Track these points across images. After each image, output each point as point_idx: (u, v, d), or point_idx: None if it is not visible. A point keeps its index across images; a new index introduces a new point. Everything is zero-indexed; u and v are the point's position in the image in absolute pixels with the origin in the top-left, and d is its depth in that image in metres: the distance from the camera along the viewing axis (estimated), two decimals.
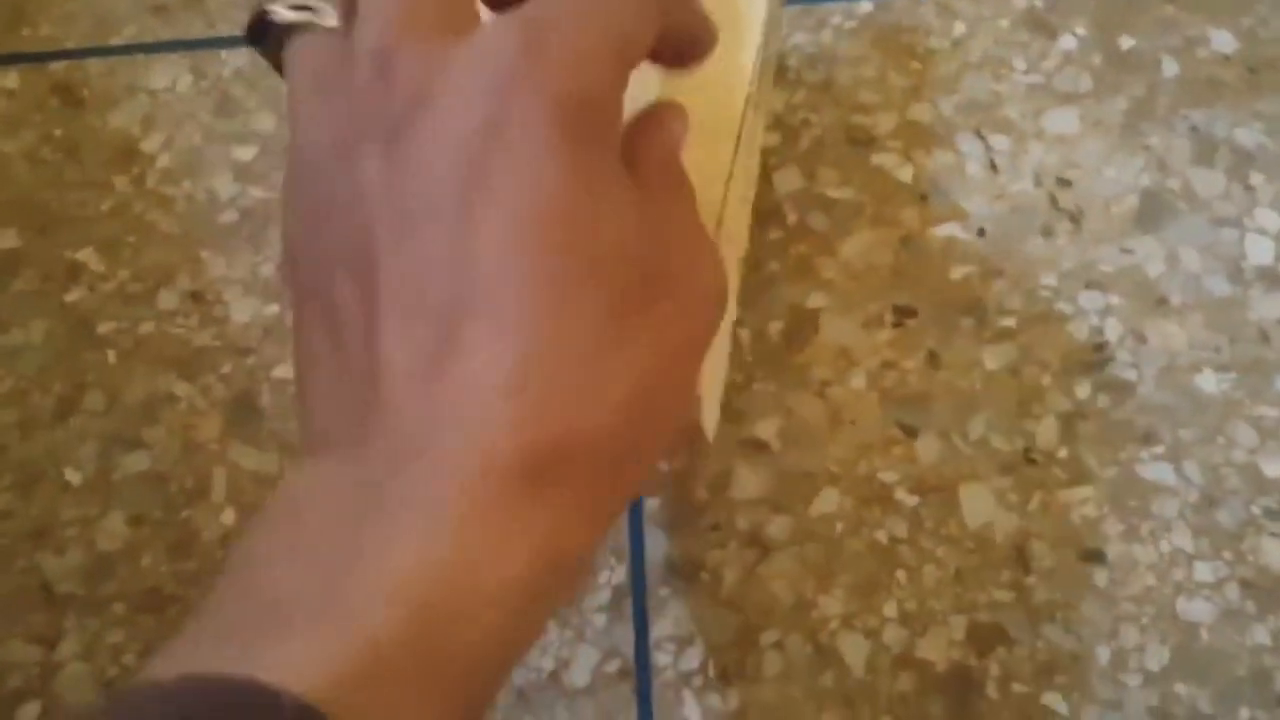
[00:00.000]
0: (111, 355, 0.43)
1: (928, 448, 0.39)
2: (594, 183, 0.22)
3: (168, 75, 0.49)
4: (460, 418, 0.20)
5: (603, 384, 0.21)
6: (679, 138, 0.26)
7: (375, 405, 0.21)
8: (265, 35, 0.26)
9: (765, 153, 0.45)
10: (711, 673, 0.36)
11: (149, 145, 0.47)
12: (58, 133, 0.48)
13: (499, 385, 0.20)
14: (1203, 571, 0.37)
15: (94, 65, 0.50)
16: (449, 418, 0.20)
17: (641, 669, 0.37)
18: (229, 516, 0.40)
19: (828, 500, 0.39)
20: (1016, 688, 0.36)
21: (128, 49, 0.50)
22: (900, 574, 0.38)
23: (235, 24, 0.50)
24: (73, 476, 0.41)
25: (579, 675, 0.37)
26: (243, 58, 0.49)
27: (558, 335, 0.21)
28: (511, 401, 0.20)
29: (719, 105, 0.32)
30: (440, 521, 0.20)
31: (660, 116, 0.26)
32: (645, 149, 0.25)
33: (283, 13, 0.25)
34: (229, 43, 0.49)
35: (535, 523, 0.20)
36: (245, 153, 0.47)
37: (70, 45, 0.50)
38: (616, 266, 0.22)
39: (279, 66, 0.25)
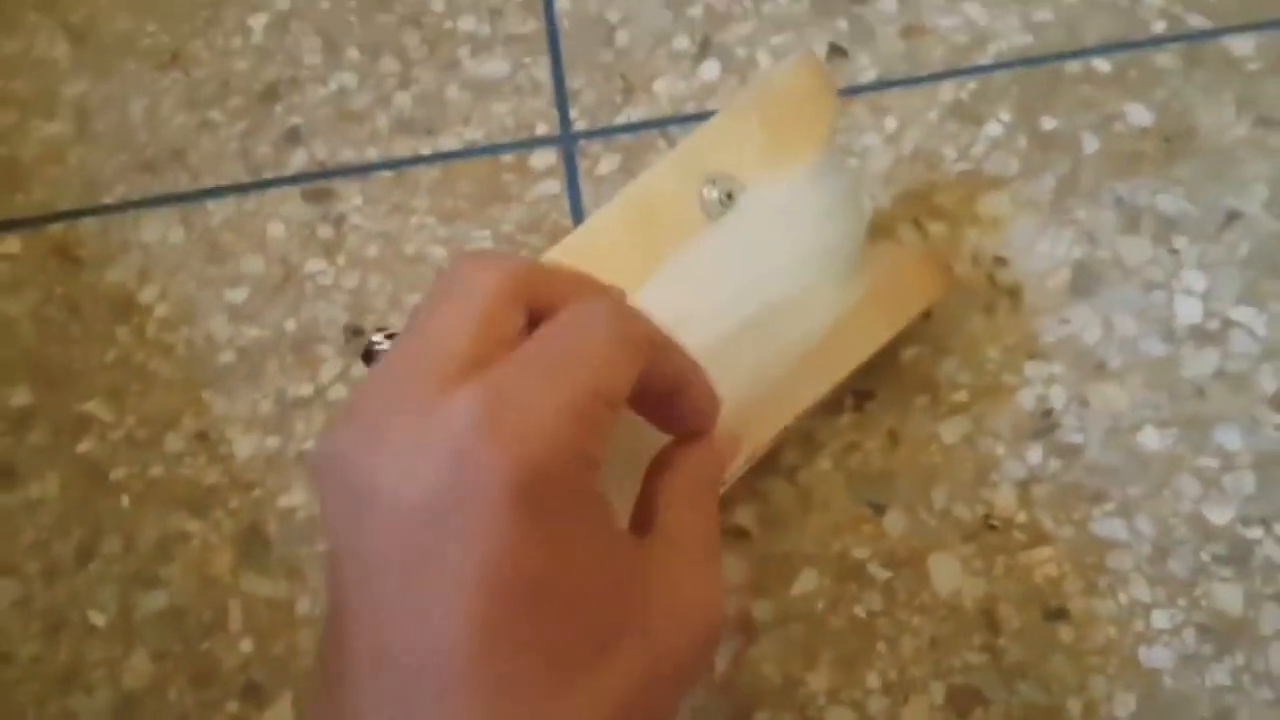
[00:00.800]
0: (125, 500, 0.46)
1: (895, 522, 0.42)
2: (549, 546, 0.23)
3: (159, 229, 0.52)
4: None
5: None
6: (715, 470, 0.29)
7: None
8: (371, 358, 0.31)
9: None
10: None
11: (146, 296, 0.50)
12: (59, 291, 0.51)
13: None
14: (1160, 619, 0.39)
15: (88, 224, 0.53)
16: None
17: None
18: (247, 644, 0.42)
19: (807, 580, 0.41)
20: None
21: (119, 207, 0.53)
22: (880, 645, 0.40)
23: (219, 175, 0.53)
24: (97, 619, 0.44)
25: None
26: (229, 208, 0.52)
27: (506, 694, 0.22)
28: None
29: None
30: None
31: (697, 450, 0.29)
32: (670, 480, 0.28)
33: (382, 342, 0.31)
34: (214, 193, 0.53)
35: None
36: (237, 295, 0.50)
37: (64, 207, 0.54)
38: (564, 623, 0.23)
39: None
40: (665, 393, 0.28)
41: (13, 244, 0.53)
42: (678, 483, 0.28)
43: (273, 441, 0.46)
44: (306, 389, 0.47)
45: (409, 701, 0.22)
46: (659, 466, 0.30)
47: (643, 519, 0.29)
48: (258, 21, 0.58)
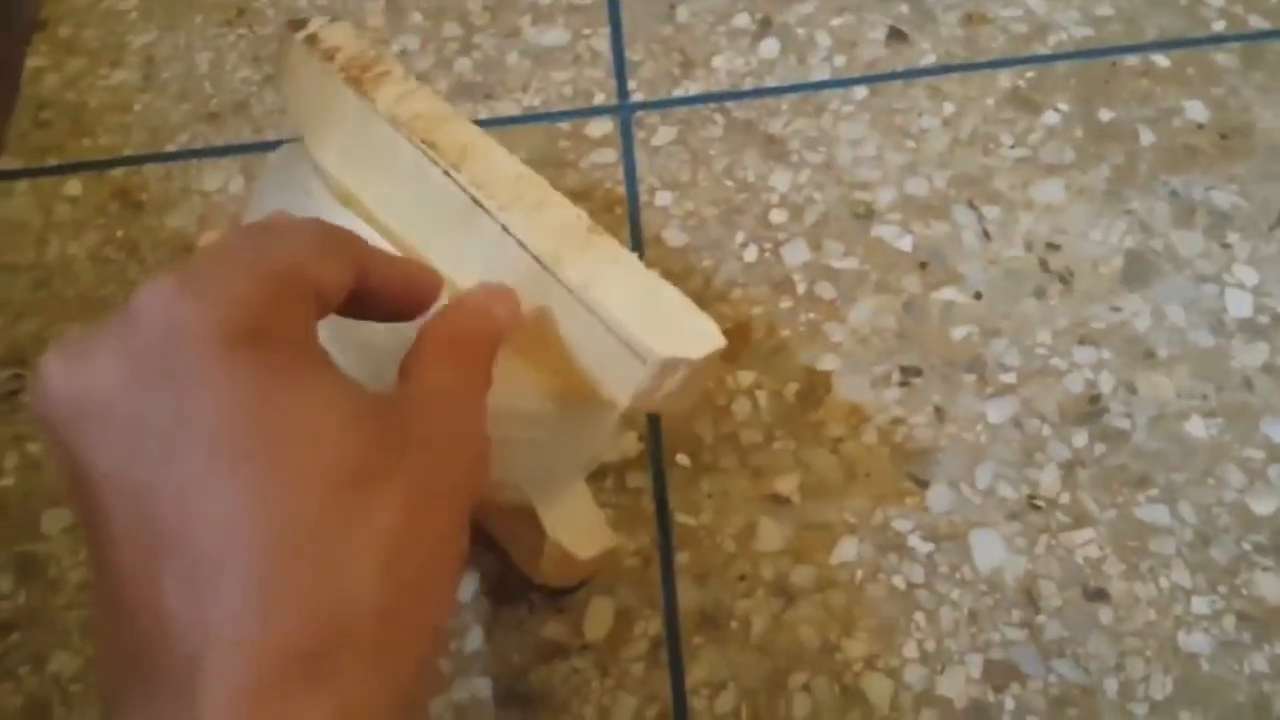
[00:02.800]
0: None
1: (938, 497, 0.42)
2: (279, 386, 0.22)
3: (220, 178, 0.53)
4: (206, 644, 0.20)
5: (346, 557, 0.22)
6: (473, 320, 0.29)
7: (136, 647, 0.22)
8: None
9: (775, 228, 0.48)
10: (744, 715, 0.39)
11: (205, 243, 0.51)
12: (119, 234, 0.52)
13: (238, 597, 0.21)
14: (1200, 605, 0.40)
15: (151, 171, 0.54)
16: (196, 647, 0.21)
17: (679, 714, 0.39)
18: None
19: (847, 549, 0.42)
20: None
21: (182, 154, 0.54)
22: (919, 616, 0.40)
23: (281, 129, 0.54)
24: None
25: None
26: None
27: (273, 531, 0.21)
28: (253, 607, 0.20)
29: None
30: None
31: (453, 308, 0.29)
32: (425, 333, 0.28)
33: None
34: (275, 146, 0.53)
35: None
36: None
37: (128, 153, 0.54)
38: (319, 448, 0.22)
39: None
40: (395, 294, 0.28)
41: (75, 186, 0.54)
42: (431, 334, 0.28)
43: None
44: None
45: (185, 572, 0.21)
46: (421, 329, 0.30)
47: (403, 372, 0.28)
48: None
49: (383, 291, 0.28)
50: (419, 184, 0.32)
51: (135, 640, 0.22)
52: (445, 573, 0.25)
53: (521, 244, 0.30)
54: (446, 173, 0.31)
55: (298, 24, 0.35)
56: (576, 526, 0.38)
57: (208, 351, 0.22)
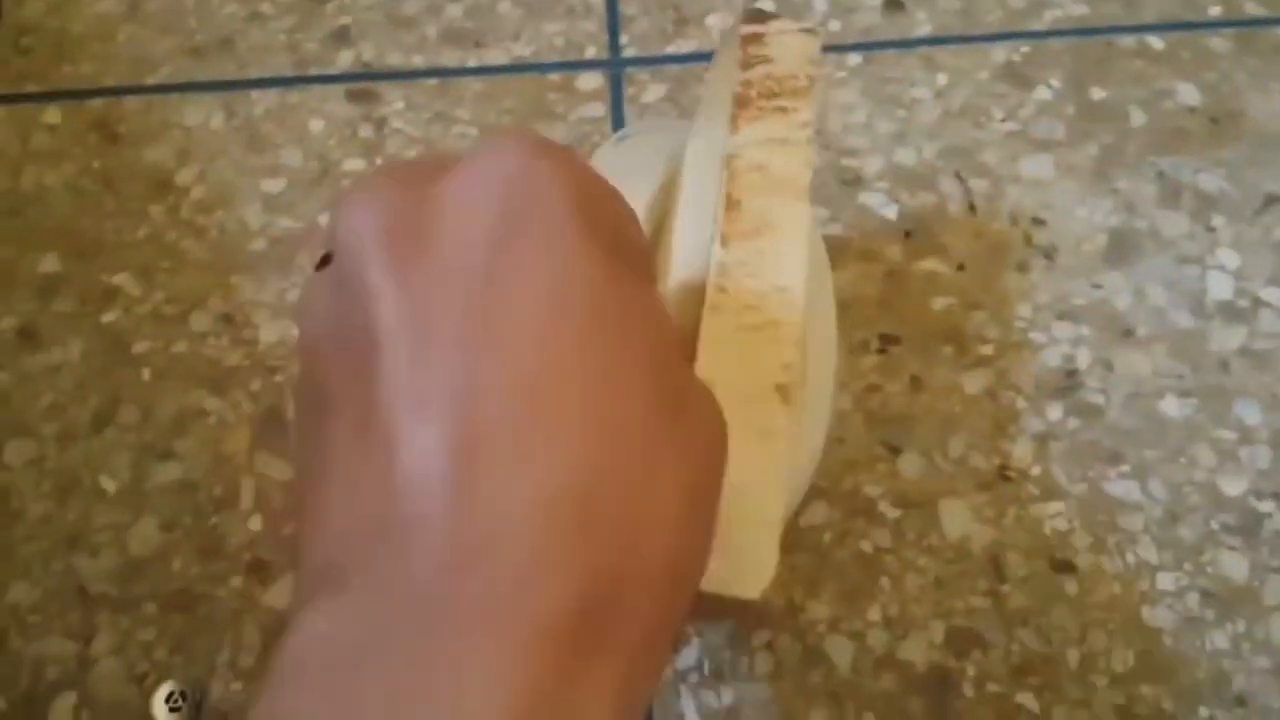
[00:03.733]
0: (146, 373, 0.46)
1: (910, 464, 0.42)
2: (621, 270, 0.20)
3: (201, 113, 0.52)
4: (498, 554, 0.17)
5: (660, 496, 0.18)
6: None
7: (391, 530, 0.17)
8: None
9: None
10: (706, 671, 0.39)
11: (183, 178, 0.51)
12: (96, 165, 0.51)
13: (542, 510, 0.17)
14: (1165, 581, 0.40)
15: (131, 103, 0.53)
16: (482, 554, 0.17)
17: None
18: (256, 522, 0.43)
19: (816, 512, 0.42)
20: (991, 687, 0.38)
21: (163, 88, 0.53)
22: (884, 581, 0.40)
23: (265, 66, 0.53)
24: (108, 485, 0.44)
25: None
26: (272, 98, 0.52)
27: (606, 440, 0.18)
28: (560, 531, 0.17)
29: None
30: (493, 701, 0.16)
31: None
32: None
33: None
34: (259, 84, 0.53)
35: (602, 685, 0.17)
36: (274, 185, 0.50)
37: (109, 83, 0.54)
38: (657, 361, 0.19)
39: None
40: None
41: (54, 115, 0.53)
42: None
43: (298, 330, 0.46)
44: None
45: (469, 449, 0.17)
46: None
47: None
48: None
49: None
50: (692, 229, 0.29)
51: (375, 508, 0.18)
52: (711, 524, 0.22)
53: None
54: (711, 239, 0.27)
55: (756, 16, 0.30)
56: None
57: (562, 216, 0.19)
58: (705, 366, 0.25)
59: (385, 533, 0.17)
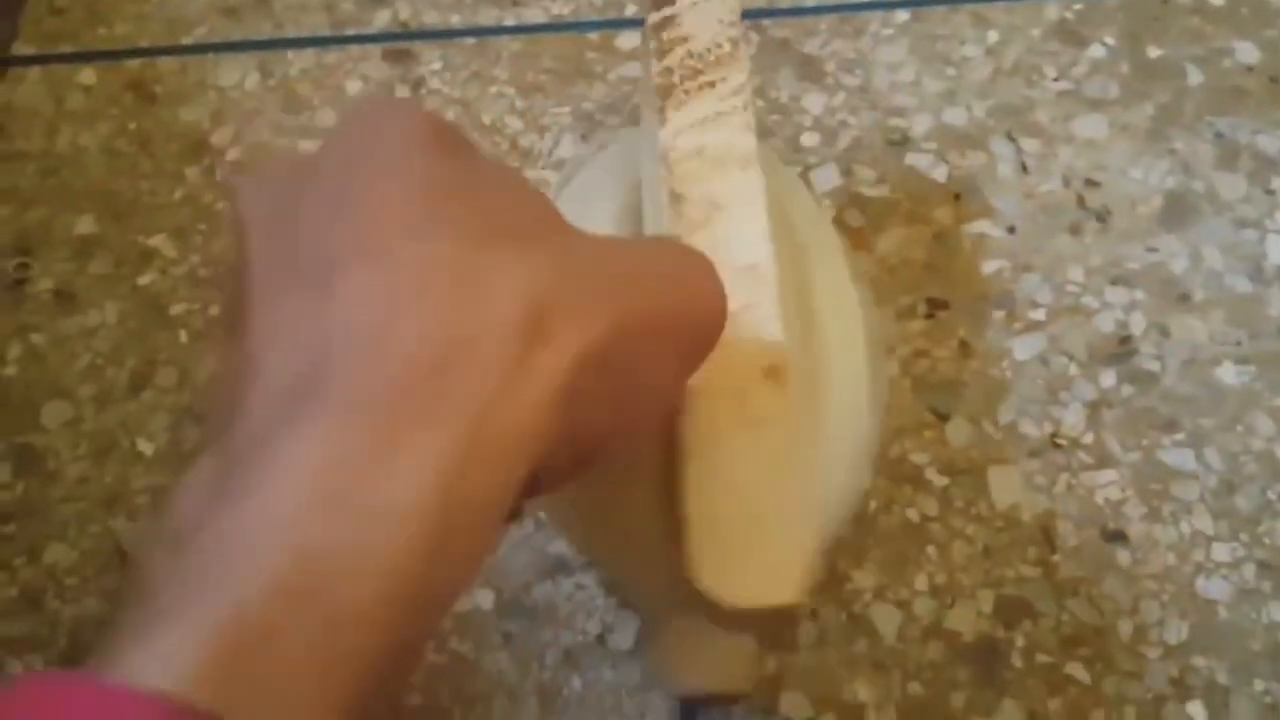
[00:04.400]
0: (183, 335, 0.46)
1: (958, 431, 0.41)
2: (480, 166, 0.21)
3: (237, 73, 0.52)
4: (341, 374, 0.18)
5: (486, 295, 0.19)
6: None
7: (247, 374, 0.19)
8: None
9: (805, 151, 0.47)
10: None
11: (218, 139, 0.50)
12: (132, 126, 0.51)
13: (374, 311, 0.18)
14: (1221, 552, 0.39)
15: (166, 64, 0.52)
16: (327, 372, 0.18)
17: None
18: None
19: None
20: (1041, 658, 0.37)
21: (199, 48, 0.53)
22: (931, 549, 0.39)
23: (301, 26, 0.53)
24: (145, 447, 0.44)
25: (623, 639, 0.39)
26: (308, 58, 0.52)
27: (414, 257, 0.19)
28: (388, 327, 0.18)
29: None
30: (306, 456, 0.17)
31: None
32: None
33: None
34: (295, 43, 0.52)
35: (425, 445, 0.17)
36: (311, 146, 0.49)
37: (144, 44, 0.53)
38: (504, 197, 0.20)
39: None
40: None
41: (89, 75, 0.52)
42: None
43: None
44: None
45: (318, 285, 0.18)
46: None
47: None
48: None
49: None
50: (649, 227, 0.28)
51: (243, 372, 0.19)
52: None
53: None
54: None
55: (657, 2, 0.29)
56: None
57: (414, 128, 0.20)
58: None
59: (239, 393, 0.19)
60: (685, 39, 0.28)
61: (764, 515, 0.24)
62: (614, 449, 0.21)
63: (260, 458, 0.17)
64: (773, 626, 0.36)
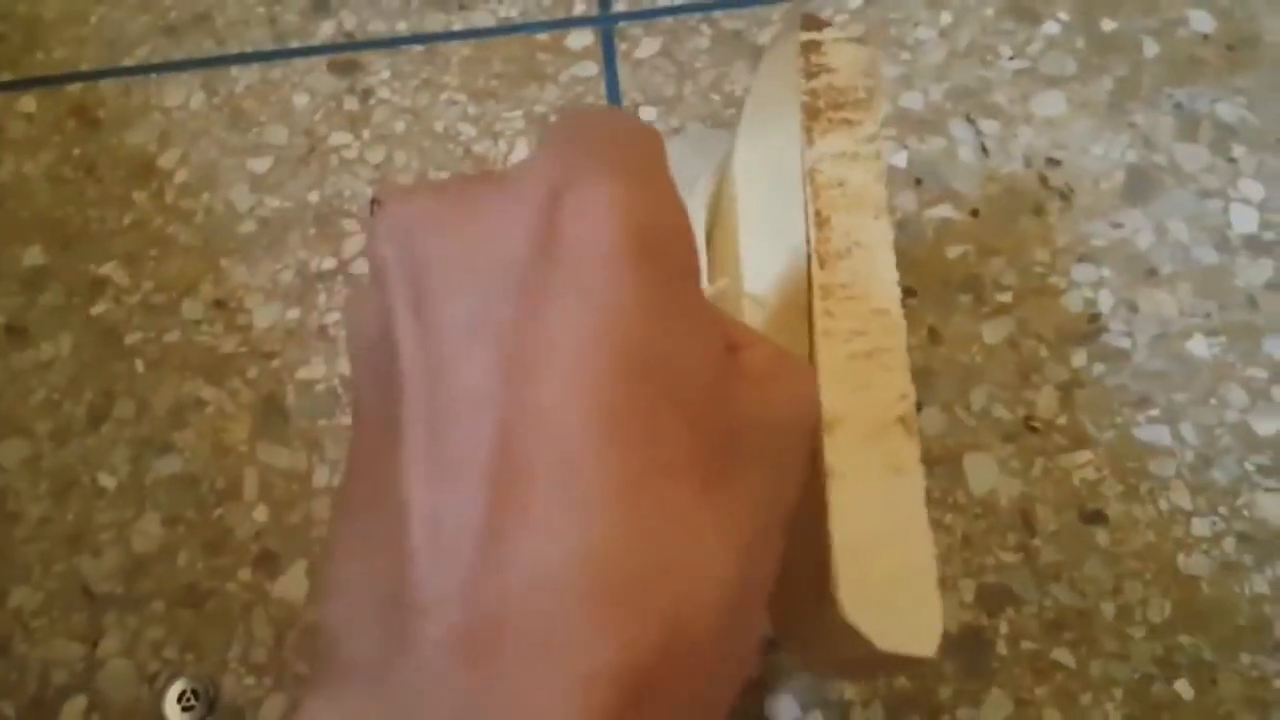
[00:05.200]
0: (139, 364, 0.45)
1: (932, 420, 0.41)
2: (673, 310, 0.17)
3: (181, 93, 0.51)
4: (527, 631, 0.15)
5: (706, 557, 0.16)
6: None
7: (402, 612, 0.16)
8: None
9: None
10: None
11: (166, 161, 0.49)
12: (76, 152, 0.50)
13: (576, 577, 0.15)
14: (1200, 527, 0.38)
15: (109, 86, 0.51)
16: (500, 640, 0.15)
17: None
18: (261, 513, 0.41)
19: None
20: (1026, 645, 0.37)
21: (141, 69, 0.51)
22: None
23: (244, 41, 0.51)
24: (107, 481, 0.43)
25: None
26: (253, 74, 0.51)
27: (645, 495, 0.16)
28: (598, 601, 0.15)
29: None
30: None
31: None
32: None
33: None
34: (239, 60, 0.51)
35: None
36: (260, 164, 0.48)
37: (85, 68, 0.52)
38: (706, 406, 0.17)
39: None
40: None
41: (29, 103, 0.51)
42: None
43: (294, 313, 0.45)
44: (330, 262, 0.46)
45: (493, 507, 0.15)
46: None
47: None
48: None
49: None
50: (781, 253, 0.27)
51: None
52: (766, 588, 0.19)
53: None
54: (809, 259, 0.26)
55: (813, 22, 0.28)
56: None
57: (602, 239, 0.17)
58: (827, 400, 0.24)
59: (395, 615, 0.15)
60: (830, 70, 0.28)
61: (906, 564, 0.23)
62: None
63: None
64: (888, 673, 0.36)
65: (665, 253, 0.17)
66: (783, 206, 0.27)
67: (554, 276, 0.16)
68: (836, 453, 0.24)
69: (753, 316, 0.28)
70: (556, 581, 0.15)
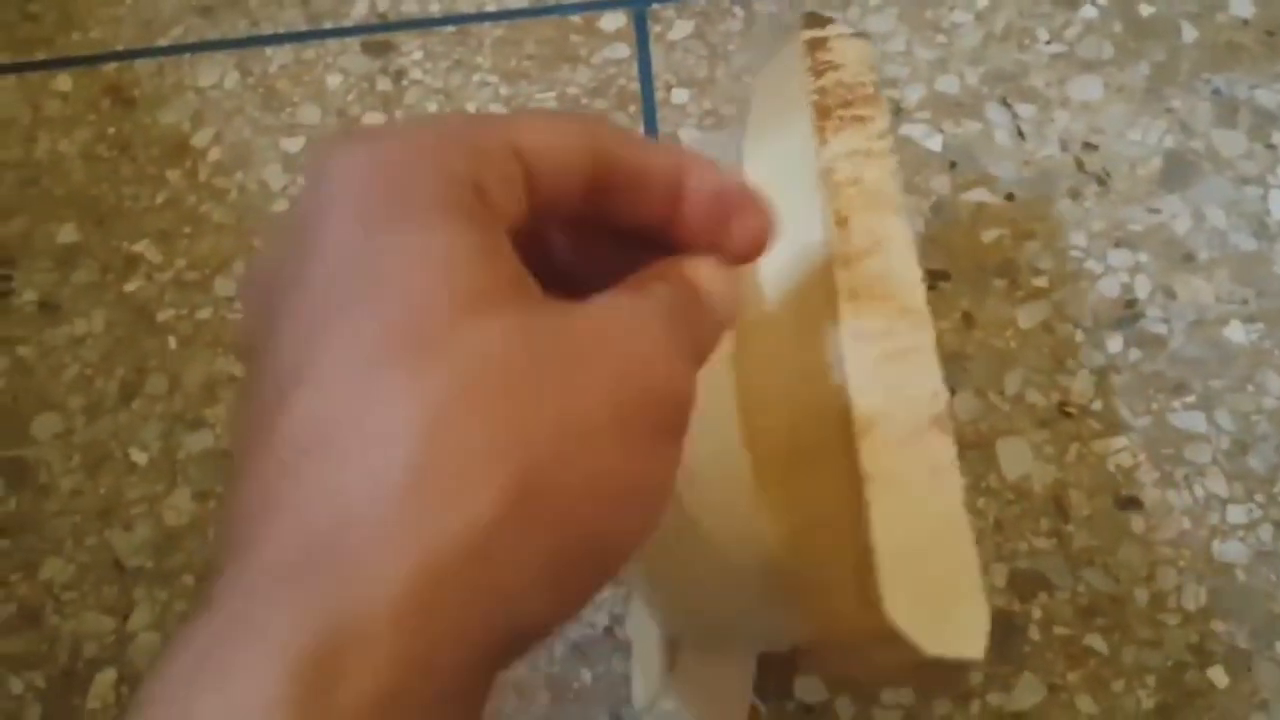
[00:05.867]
0: (172, 341, 0.45)
1: (965, 405, 0.40)
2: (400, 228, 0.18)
3: (215, 73, 0.51)
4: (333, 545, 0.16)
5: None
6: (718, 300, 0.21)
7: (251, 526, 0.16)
8: None
9: None
10: None
11: (199, 140, 0.49)
12: (111, 131, 0.50)
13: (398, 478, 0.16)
14: (1236, 514, 0.38)
15: (143, 66, 0.51)
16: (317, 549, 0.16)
17: None
18: None
19: None
20: (1058, 630, 0.37)
21: (175, 49, 0.52)
22: None
23: (278, 22, 0.52)
24: (138, 457, 0.43)
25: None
26: (287, 54, 0.51)
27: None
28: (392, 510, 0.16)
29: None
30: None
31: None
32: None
33: None
34: (273, 40, 0.51)
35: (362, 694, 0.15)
36: (293, 144, 0.49)
37: (120, 47, 0.52)
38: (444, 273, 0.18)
39: None
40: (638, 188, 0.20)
41: (65, 82, 0.51)
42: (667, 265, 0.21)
43: None
44: None
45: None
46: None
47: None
48: None
49: (624, 184, 0.20)
50: (800, 252, 0.26)
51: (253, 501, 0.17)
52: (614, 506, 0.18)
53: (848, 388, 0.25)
54: (829, 260, 0.25)
55: (815, 20, 0.28)
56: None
57: (341, 201, 0.18)
58: (860, 403, 0.23)
59: (246, 536, 0.16)
60: (836, 66, 0.28)
61: (948, 566, 0.23)
62: (620, 554, 0.19)
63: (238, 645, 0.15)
64: (929, 685, 0.36)
65: (410, 196, 0.18)
66: (799, 207, 0.27)
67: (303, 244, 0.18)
68: (873, 457, 0.23)
69: (771, 321, 0.27)
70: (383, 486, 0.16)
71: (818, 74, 0.27)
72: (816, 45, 0.28)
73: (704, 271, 0.21)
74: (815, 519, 0.25)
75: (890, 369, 0.24)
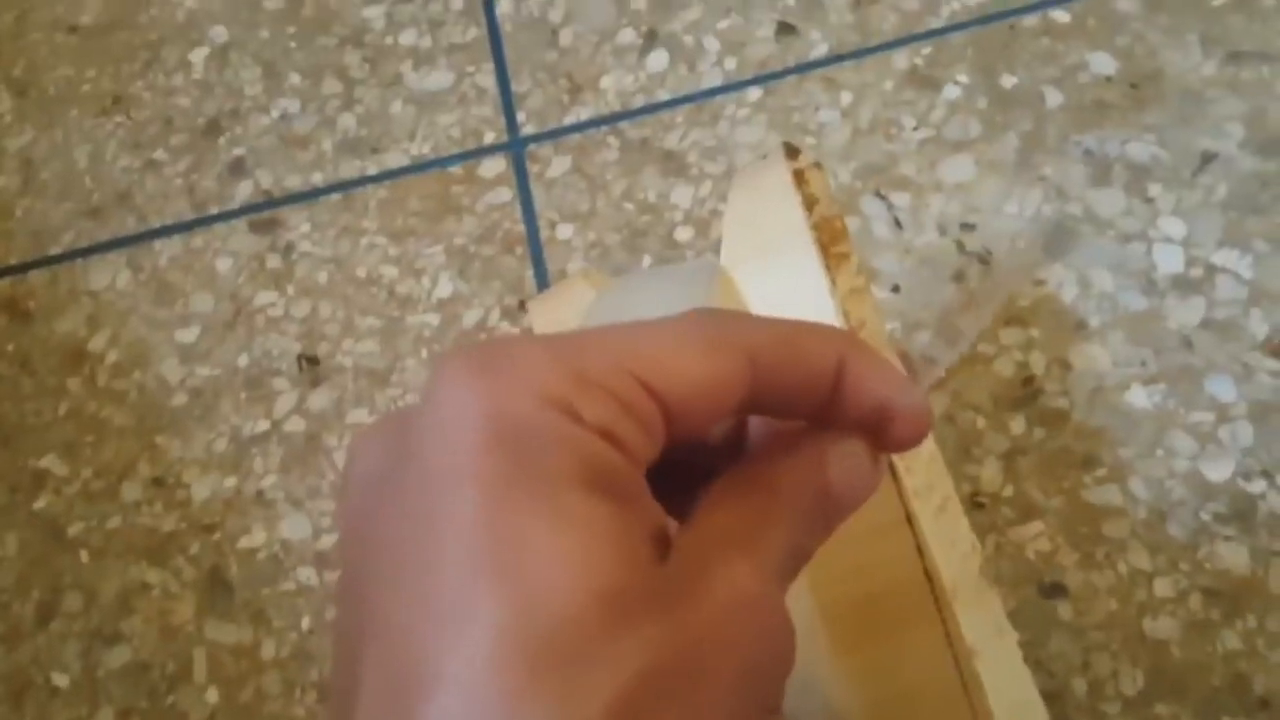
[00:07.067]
0: (84, 555, 0.44)
1: None
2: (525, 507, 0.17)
3: (107, 274, 0.51)
4: None
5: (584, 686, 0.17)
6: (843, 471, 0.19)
7: None
8: None
9: (681, 246, 0.46)
10: None
11: (96, 345, 0.49)
12: (9, 347, 0.50)
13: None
14: (1163, 587, 0.37)
15: (37, 277, 0.52)
16: None
17: None
18: (213, 695, 0.41)
19: None
20: None
21: (68, 255, 0.52)
22: None
23: (165, 214, 0.52)
24: (60, 680, 0.42)
25: None
26: (176, 245, 0.51)
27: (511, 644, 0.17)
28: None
29: None
30: None
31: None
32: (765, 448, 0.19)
33: None
34: (161, 233, 0.52)
35: None
36: (188, 335, 0.49)
37: (13, 260, 0.52)
38: (566, 565, 0.17)
39: None
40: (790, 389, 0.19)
41: None
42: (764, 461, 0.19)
43: (230, 481, 0.45)
44: (262, 424, 0.46)
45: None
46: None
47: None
48: (198, 56, 0.57)
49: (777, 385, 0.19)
50: None
51: None
52: None
53: (919, 548, 0.25)
54: None
55: (791, 150, 0.29)
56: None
57: (464, 451, 0.17)
58: (943, 569, 0.24)
59: None
60: (816, 199, 0.28)
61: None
62: None
63: None
64: None
65: (530, 450, 0.17)
66: None
67: (407, 480, 0.18)
68: (971, 628, 0.23)
69: None
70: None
71: (810, 206, 0.27)
72: (799, 178, 0.28)
73: (845, 465, 0.19)
74: (904, 690, 0.25)
75: (943, 524, 0.24)
